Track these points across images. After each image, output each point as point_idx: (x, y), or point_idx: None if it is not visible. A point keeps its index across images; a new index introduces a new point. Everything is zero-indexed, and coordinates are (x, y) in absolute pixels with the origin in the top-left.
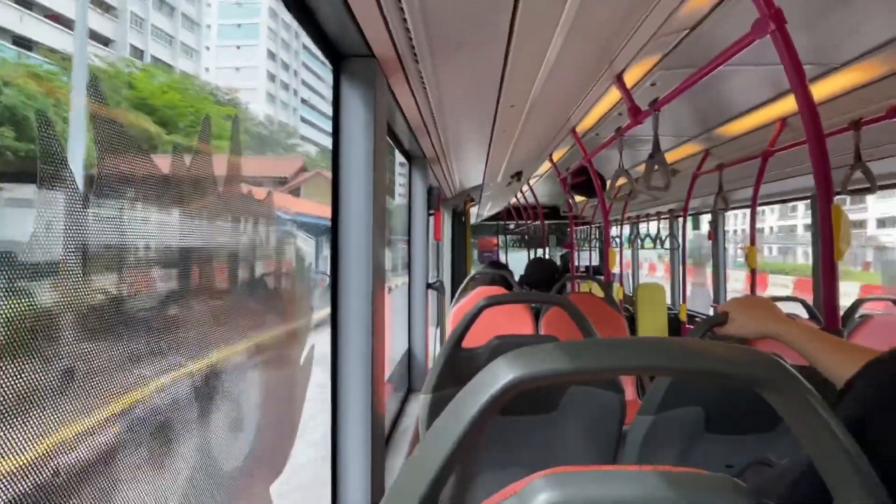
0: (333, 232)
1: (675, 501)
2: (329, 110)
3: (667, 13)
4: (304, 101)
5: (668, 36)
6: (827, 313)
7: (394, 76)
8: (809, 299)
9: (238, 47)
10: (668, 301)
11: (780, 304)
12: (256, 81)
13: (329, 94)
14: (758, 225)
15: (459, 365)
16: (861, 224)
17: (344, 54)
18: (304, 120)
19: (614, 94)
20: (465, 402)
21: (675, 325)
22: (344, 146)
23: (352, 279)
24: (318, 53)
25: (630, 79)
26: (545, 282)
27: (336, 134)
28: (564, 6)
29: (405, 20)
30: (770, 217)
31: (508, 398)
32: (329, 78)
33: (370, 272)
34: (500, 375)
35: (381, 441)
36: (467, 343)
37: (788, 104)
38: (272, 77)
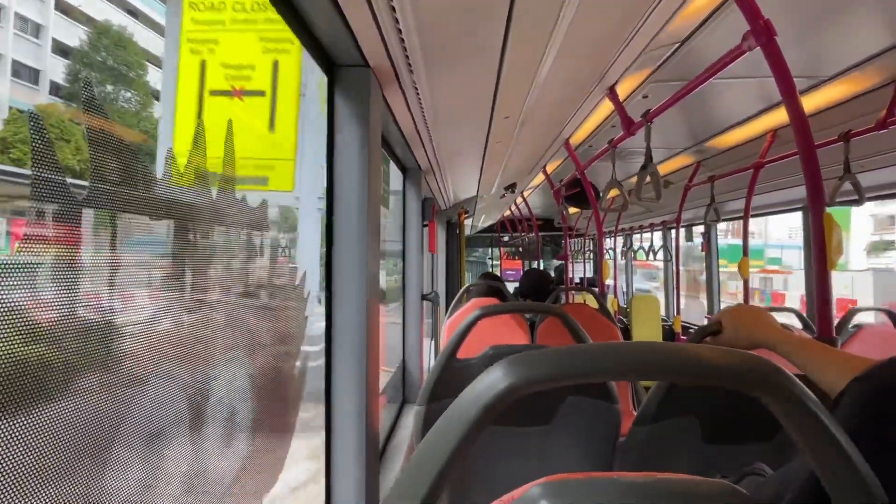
0: (328, 242)
1: None
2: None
3: (658, 26)
4: None
5: (659, 49)
6: (820, 323)
7: (388, 86)
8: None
9: None
10: (663, 313)
11: (773, 314)
12: None
13: None
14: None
15: (454, 376)
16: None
17: (338, 64)
18: None
19: (607, 107)
20: (461, 410)
21: (669, 336)
22: (338, 156)
23: (346, 289)
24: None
25: (622, 91)
26: (539, 293)
27: (331, 144)
28: (557, 19)
29: (400, 30)
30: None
31: (505, 405)
32: None
33: (365, 283)
34: (496, 381)
35: (376, 454)
36: (463, 355)
37: (778, 116)
38: None
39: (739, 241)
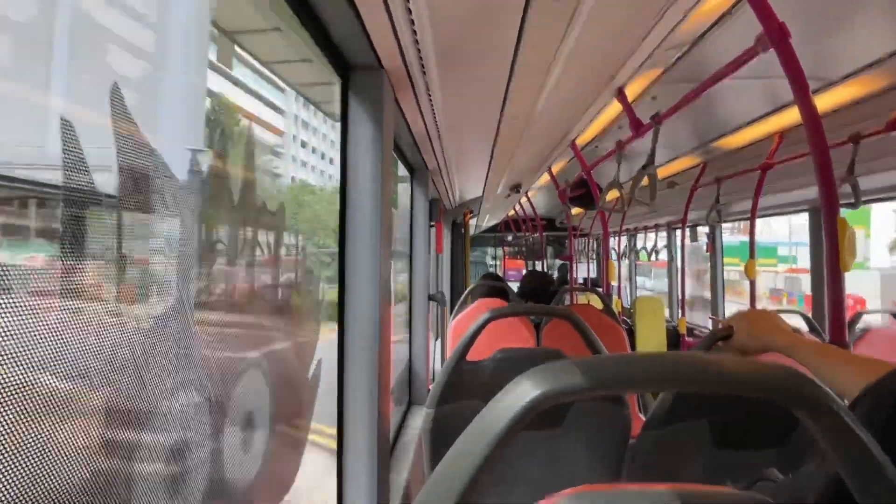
0: (341, 245)
1: None
2: None
3: (669, 28)
4: None
5: (669, 50)
6: (832, 326)
7: (401, 88)
8: None
9: None
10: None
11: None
12: None
13: None
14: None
15: (462, 379)
16: None
17: (352, 66)
18: None
19: (614, 108)
20: (491, 420)
21: (673, 337)
22: (351, 157)
23: (359, 290)
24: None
25: (631, 92)
26: (541, 294)
27: (344, 145)
28: (571, 20)
29: (415, 31)
30: None
31: (532, 415)
32: None
33: (377, 284)
34: (525, 392)
35: (387, 455)
36: (469, 356)
37: (787, 117)
38: None
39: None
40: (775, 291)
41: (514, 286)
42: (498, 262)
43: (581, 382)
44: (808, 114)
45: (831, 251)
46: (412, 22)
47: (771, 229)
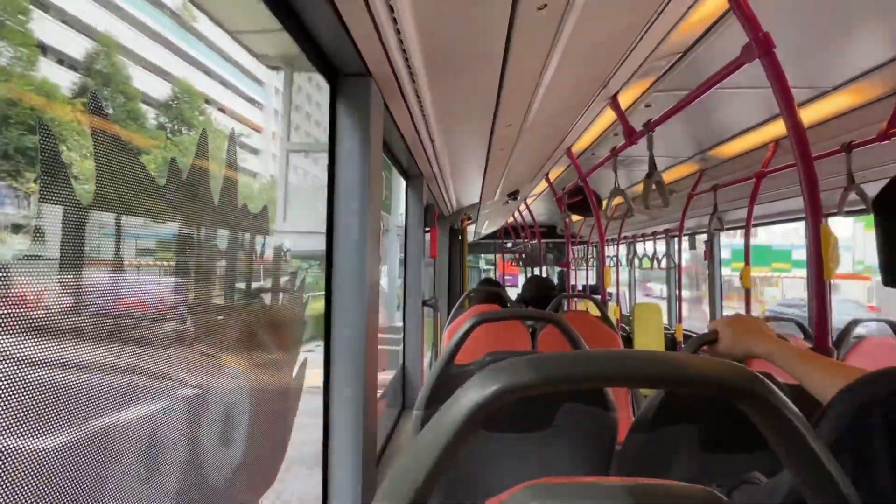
0: (328, 249)
1: None
2: None
3: (660, 37)
4: None
5: (661, 59)
6: (817, 333)
7: (390, 95)
8: None
9: None
10: (665, 321)
11: (774, 324)
12: None
13: None
14: None
15: (452, 382)
16: None
17: (340, 73)
18: None
19: (609, 115)
20: (450, 413)
21: (671, 345)
22: (339, 163)
23: (346, 296)
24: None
25: (625, 100)
26: (542, 300)
27: (332, 151)
28: (557, 31)
29: (401, 40)
30: None
31: (494, 408)
32: None
33: (365, 290)
34: (483, 386)
35: (373, 458)
36: (465, 360)
37: (781, 126)
38: None
39: (765, 243)
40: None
41: (511, 292)
42: (493, 268)
43: (534, 379)
44: (793, 123)
45: (816, 259)
46: (398, 31)
47: (785, 230)
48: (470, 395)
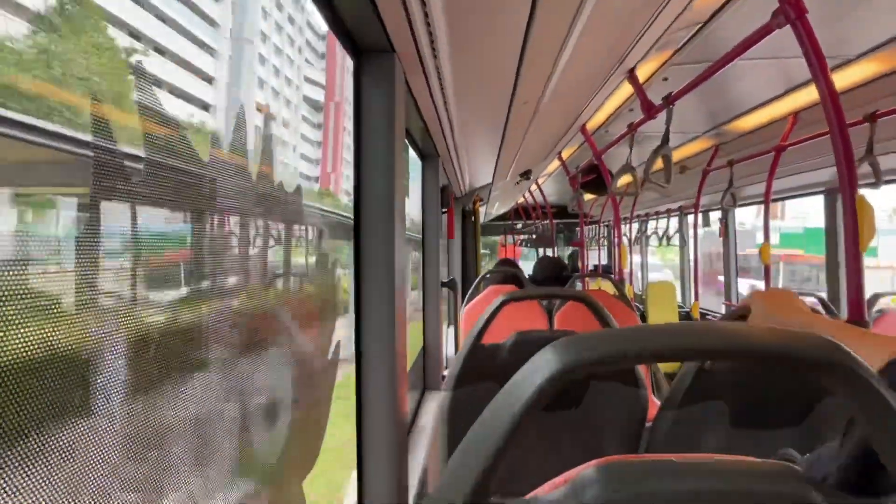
0: (356, 231)
1: (743, 492)
2: None
3: (681, 7)
4: None
5: (681, 31)
6: (851, 306)
7: (412, 72)
8: None
9: None
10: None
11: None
12: None
13: None
14: None
15: (480, 362)
16: None
17: (365, 49)
18: None
19: (624, 91)
20: (514, 393)
21: None
22: (366, 143)
23: (375, 277)
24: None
25: (642, 74)
26: (554, 280)
27: (357, 130)
28: (581, 2)
29: (426, 15)
30: None
31: (558, 387)
32: None
33: (392, 270)
34: (549, 363)
35: (405, 439)
36: (483, 340)
37: (801, 98)
38: None
39: (819, 225)
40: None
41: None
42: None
43: (603, 353)
44: (825, 92)
45: (851, 233)
46: (424, 3)
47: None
48: (533, 373)
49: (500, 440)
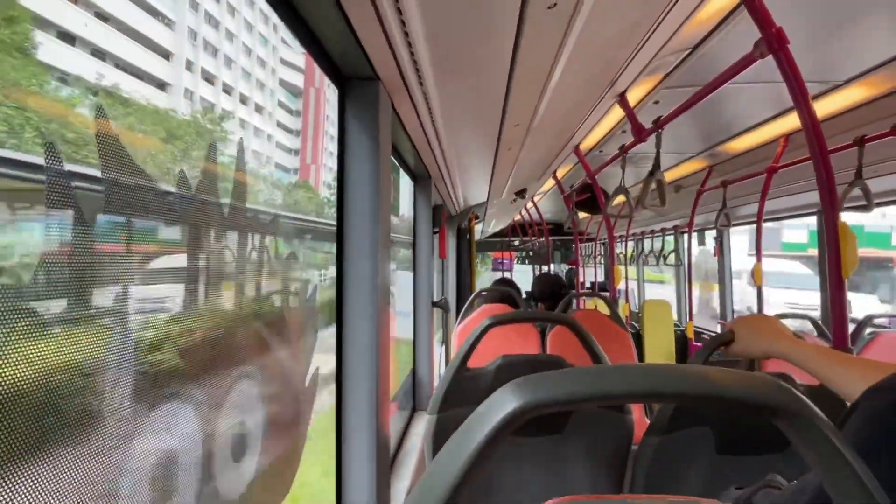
0: (339, 253)
1: None
2: None
3: (669, 33)
4: None
5: (670, 55)
6: (835, 330)
7: (398, 97)
8: None
9: None
10: (675, 318)
11: (789, 321)
12: None
13: None
14: None
15: (464, 385)
16: None
17: (349, 77)
18: None
19: (618, 112)
20: (472, 430)
21: (682, 342)
22: (349, 168)
23: (357, 299)
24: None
25: (633, 97)
26: (551, 296)
27: (341, 156)
28: (567, 29)
29: (409, 43)
30: None
31: (516, 426)
32: None
33: (376, 293)
34: (505, 403)
35: (386, 462)
36: (474, 361)
37: (792, 120)
38: None
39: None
40: None
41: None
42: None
43: (558, 395)
44: (807, 120)
45: (832, 255)
46: (406, 34)
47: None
48: (498, 409)
49: (458, 475)
